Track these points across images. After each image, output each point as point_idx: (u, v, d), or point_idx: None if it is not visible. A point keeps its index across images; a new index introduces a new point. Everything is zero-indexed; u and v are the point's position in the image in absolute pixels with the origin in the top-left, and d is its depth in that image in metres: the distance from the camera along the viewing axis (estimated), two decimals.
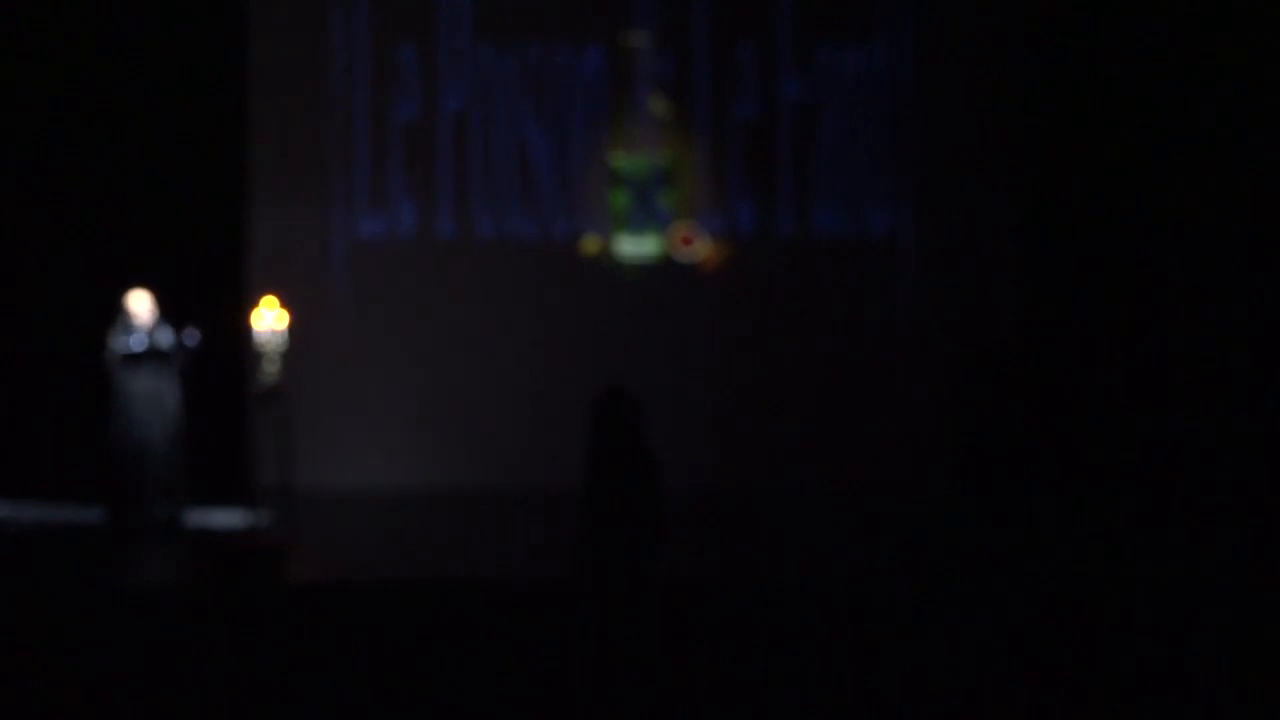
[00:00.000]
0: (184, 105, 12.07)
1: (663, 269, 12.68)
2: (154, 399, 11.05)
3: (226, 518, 11.32)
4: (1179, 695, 6.70)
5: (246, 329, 11.07)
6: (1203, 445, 11.63)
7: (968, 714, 6.67)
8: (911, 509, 11.62)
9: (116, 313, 11.09)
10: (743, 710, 6.69)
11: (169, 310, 11.16)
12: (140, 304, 11.04)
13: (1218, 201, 12.00)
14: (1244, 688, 6.74)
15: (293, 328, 10.88)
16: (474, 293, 12.63)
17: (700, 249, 12.70)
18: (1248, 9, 12.02)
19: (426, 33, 12.64)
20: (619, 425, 7.55)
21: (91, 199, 11.99)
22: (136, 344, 11.01)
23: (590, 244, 12.71)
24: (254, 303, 10.96)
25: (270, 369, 10.80)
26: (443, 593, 7.61)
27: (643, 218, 12.70)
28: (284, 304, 10.87)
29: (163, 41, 12.09)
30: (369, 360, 12.54)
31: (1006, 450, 11.96)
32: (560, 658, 7.01)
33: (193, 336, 11.04)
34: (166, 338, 11.07)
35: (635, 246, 12.71)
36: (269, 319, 10.78)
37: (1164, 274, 12.07)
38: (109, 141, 12.03)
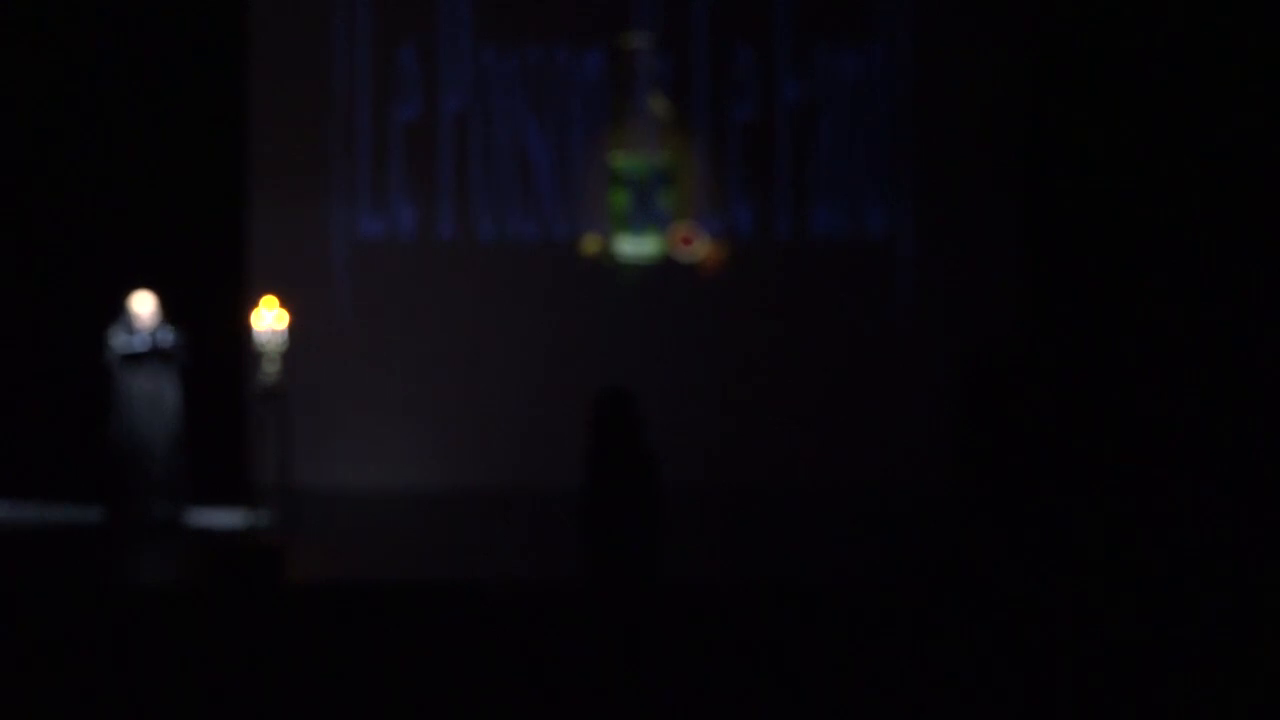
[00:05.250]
0: (184, 105, 12.07)
1: (663, 269, 12.69)
2: (154, 399, 11.06)
3: (226, 518, 11.33)
4: (1180, 694, 6.71)
5: (246, 329, 11.07)
6: (1205, 443, 11.63)
7: (968, 714, 6.67)
8: (912, 509, 11.63)
9: (117, 313, 11.10)
10: (743, 710, 6.69)
11: (169, 310, 11.17)
12: (143, 305, 11.05)
13: (1219, 200, 12.01)
14: (1245, 685, 6.75)
15: (293, 328, 10.89)
16: (474, 293, 12.63)
17: (700, 249, 12.71)
18: (1248, 8, 12.02)
19: (427, 33, 12.64)
20: (619, 425, 7.56)
21: (92, 199, 11.98)
22: (138, 344, 11.02)
23: (590, 244, 12.71)
24: (254, 303, 10.97)
25: (270, 369, 10.81)
26: (443, 593, 7.61)
27: (643, 218, 12.71)
28: (284, 304, 10.88)
29: (163, 41, 12.08)
30: (369, 361, 12.54)
31: (1007, 450, 11.96)
32: (560, 658, 7.01)
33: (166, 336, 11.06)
34: (168, 338, 11.08)
35: (635, 246, 12.71)
36: (269, 319, 10.78)
37: (1165, 273, 12.07)
38: (109, 142, 12.02)
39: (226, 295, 11.88)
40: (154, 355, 11.04)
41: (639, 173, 12.69)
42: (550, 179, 12.70)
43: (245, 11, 12.32)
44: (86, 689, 6.78)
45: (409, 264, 12.66)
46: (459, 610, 7.41)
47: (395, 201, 12.65)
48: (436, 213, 12.66)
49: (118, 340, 11.05)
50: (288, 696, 6.78)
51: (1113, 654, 7.05)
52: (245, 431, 11.82)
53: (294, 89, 12.51)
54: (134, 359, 11.02)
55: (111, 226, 11.92)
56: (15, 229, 12.01)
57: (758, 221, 12.72)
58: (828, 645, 7.18)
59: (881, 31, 12.71)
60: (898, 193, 12.69)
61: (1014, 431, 12.02)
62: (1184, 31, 12.09)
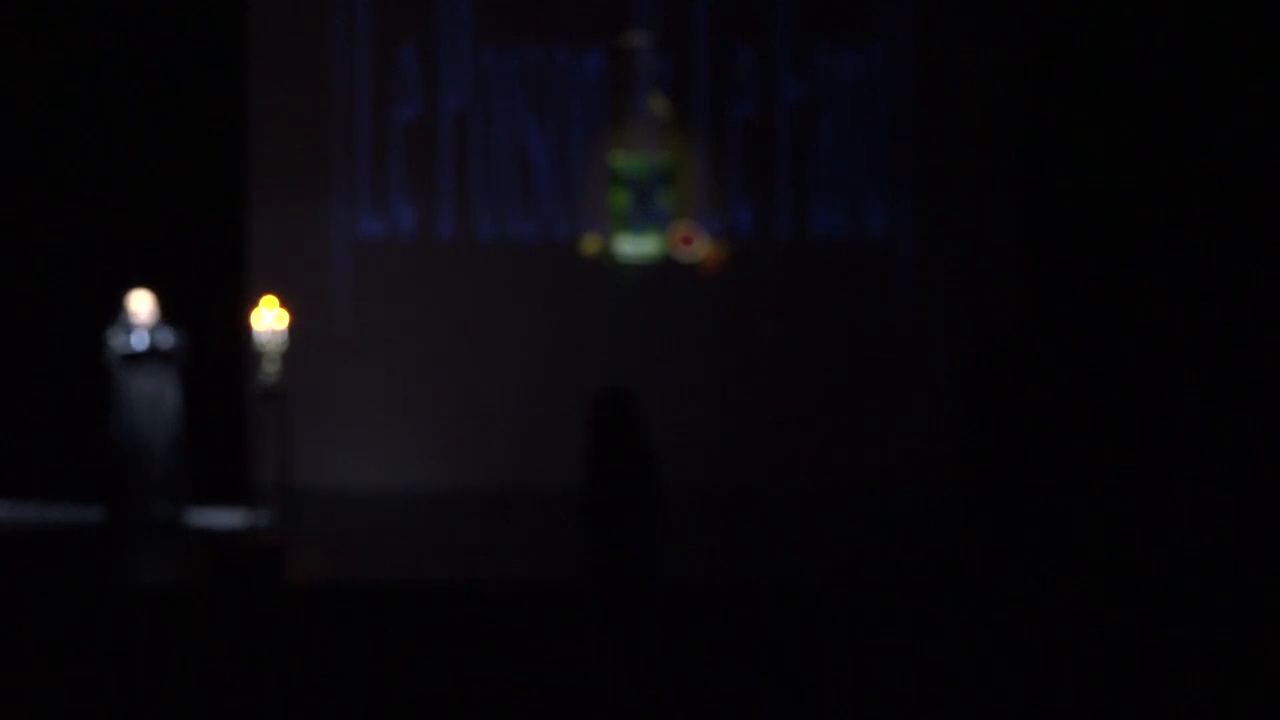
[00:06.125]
0: (184, 105, 12.07)
1: (663, 269, 12.69)
2: (154, 399, 11.06)
3: (226, 518, 11.33)
4: (1180, 694, 6.71)
5: (246, 329, 11.08)
6: (1205, 443, 11.63)
7: (968, 714, 6.67)
8: (912, 508, 11.63)
9: (116, 313, 11.10)
10: (743, 710, 6.69)
11: (169, 310, 11.17)
12: (141, 304, 11.05)
13: (1219, 200, 12.00)
14: (1245, 685, 6.75)
15: (293, 328, 10.89)
16: (474, 293, 12.63)
17: (700, 249, 12.70)
18: (1248, 8, 12.02)
19: (427, 33, 12.64)
20: (618, 425, 7.56)
21: (92, 199, 11.98)
22: (137, 343, 11.02)
23: (590, 244, 12.71)
24: (254, 303, 10.97)
25: (270, 369, 10.81)
26: (443, 593, 7.61)
27: (643, 218, 12.70)
28: (284, 304, 10.88)
29: (163, 41, 12.09)
30: (369, 361, 12.54)
31: (1007, 450, 11.96)
32: (560, 658, 7.01)
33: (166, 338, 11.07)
34: (167, 338, 11.08)
35: (635, 246, 12.71)
36: (269, 319, 10.79)
37: (1165, 273, 12.07)
38: (109, 142, 12.02)
39: (226, 295, 11.88)
40: (154, 355, 11.04)
41: (639, 173, 12.69)
42: (550, 179, 12.70)
43: (245, 11, 12.31)
44: (86, 689, 6.78)
45: (409, 264, 12.66)
46: (459, 610, 7.41)
47: (395, 201, 12.65)
48: (436, 213, 12.66)
49: (117, 340, 11.05)
50: (288, 696, 6.78)
51: (1113, 654, 7.04)
52: (245, 431, 11.82)
53: (294, 89, 12.50)
54: (134, 359, 11.02)
55: (111, 226, 11.92)
56: (15, 229, 12.01)
57: (758, 221, 12.72)
58: (828, 645, 7.17)
59: (881, 31, 12.70)
60: (898, 193, 12.69)
61: (1014, 431, 12.02)
62: (1184, 31, 12.09)
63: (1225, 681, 6.77)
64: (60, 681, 6.82)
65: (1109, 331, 12.10)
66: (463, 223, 12.68)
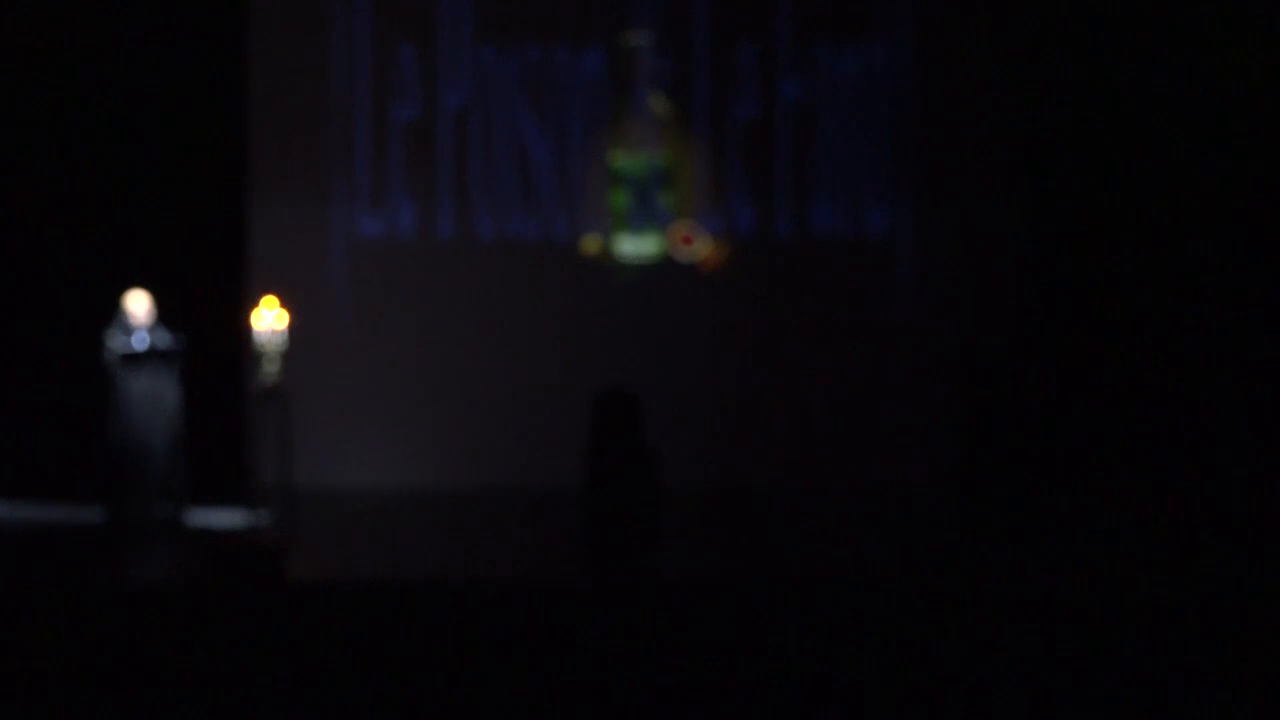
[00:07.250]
0: (184, 105, 12.07)
1: (663, 269, 12.69)
2: (154, 399, 11.05)
3: (226, 518, 11.32)
4: (1180, 694, 6.71)
5: (246, 329, 11.08)
6: (1204, 444, 11.63)
7: (968, 713, 6.67)
8: (912, 508, 11.63)
9: (116, 313, 11.10)
10: (743, 710, 6.69)
11: (169, 310, 11.16)
12: (138, 304, 11.05)
13: (1219, 200, 12.00)
14: (1245, 684, 6.75)
15: (293, 328, 10.89)
16: (474, 293, 12.64)
17: (700, 249, 12.71)
18: (1248, 9, 12.02)
19: (427, 33, 12.64)
20: (619, 425, 7.57)
21: (91, 199, 11.98)
22: (137, 343, 11.02)
23: (590, 244, 12.71)
24: (254, 303, 10.97)
25: (270, 369, 10.81)
26: (443, 593, 7.61)
27: (643, 218, 12.71)
28: (284, 304, 10.88)
29: (163, 41, 12.08)
30: (369, 360, 12.54)
31: (1006, 450, 11.96)
32: (560, 658, 7.01)
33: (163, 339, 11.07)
34: (165, 338, 11.08)
35: (635, 246, 12.71)
36: (269, 319, 10.79)
37: (1164, 273, 12.07)
38: (109, 141, 12.02)
39: (226, 295, 11.87)
40: (153, 355, 11.04)
41: (639, 172, 12.69)
42: (550, 179, 12.70)
43: (245, 11, 12.31)
44: (87, 689, 6.78)
45: (409, 264, 12.66)
46: (459, 610, 7.42)
47: (395, 201, 12.65)
48: (436, 212, 12.66)
49: (117, 341, 11.04)
50: (288, 696, 6.78)
51: (1113, 654, 7.05)
52: (245, 431, 11.81)
53: (294, 89, 12.50)
54: (133, 359, 11.01)
55: (111, 227, 11.91)
56: (15, 229, 12.01)
57: (758, 221, 12.72)
58: (828, 645, 7.18)
59: (882, 31, 12.70)
60: (898, 193, 12.69)
61: (1014, 432, 12.01)
62: (1184, 31, 12.09)
63: (1225, 681, 6.77)
64: (60, 681, 6.82)
65: (1109, 332, 12.10)
66: (463, 222, 12.68)
